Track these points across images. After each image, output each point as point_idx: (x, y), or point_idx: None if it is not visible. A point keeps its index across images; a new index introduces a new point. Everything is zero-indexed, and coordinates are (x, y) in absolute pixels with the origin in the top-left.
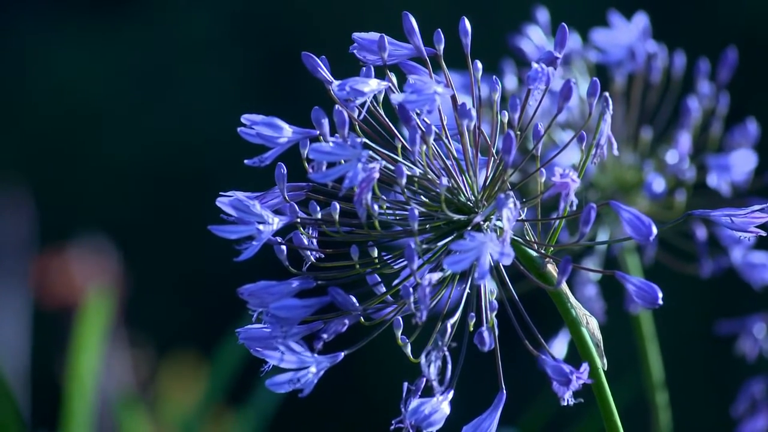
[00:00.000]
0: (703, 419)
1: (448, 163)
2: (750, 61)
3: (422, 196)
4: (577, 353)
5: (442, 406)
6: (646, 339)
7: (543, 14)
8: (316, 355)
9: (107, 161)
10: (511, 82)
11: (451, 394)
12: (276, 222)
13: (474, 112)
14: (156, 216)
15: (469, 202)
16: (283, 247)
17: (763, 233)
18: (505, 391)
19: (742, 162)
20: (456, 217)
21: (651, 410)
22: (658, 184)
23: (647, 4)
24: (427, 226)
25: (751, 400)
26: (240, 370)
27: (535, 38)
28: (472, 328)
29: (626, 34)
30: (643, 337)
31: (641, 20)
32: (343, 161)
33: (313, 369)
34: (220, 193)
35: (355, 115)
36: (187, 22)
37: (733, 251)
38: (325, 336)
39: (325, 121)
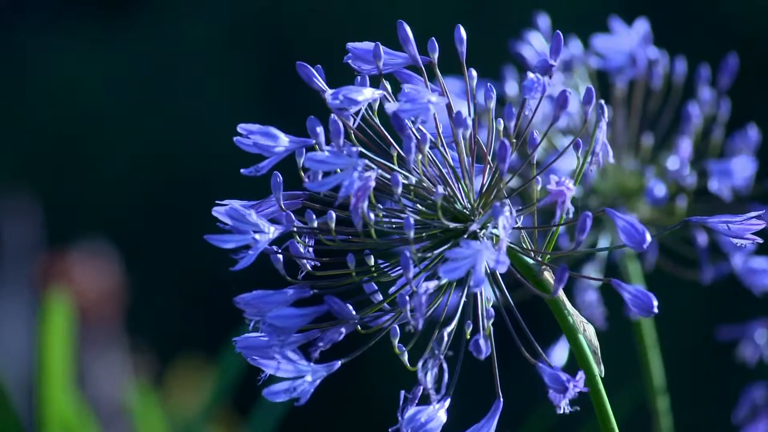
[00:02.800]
0: (704, 425)
1: (444, 171)
2: (751, 67)
3: (418, 205)
4: (575, 360)
5: (438, 414)
6: (647, 345)
7: (544, 20)
8: (312, 364)
9: (108, 166)
10: (512, 88)
11: (447, 402)
12: (272, 231)
13: (470, 121)
14: (158, 220)
15: (465, 210)
16: (280, 256)
17: (760, 240)
18: (502, 399)
19: (743, 167)
20: (452, 225)
21: (652, 416)
22: (659, 190)
23: (648, 10)
24: (423, 234)
25: (751, 405)
26: (245, 375)
27: (535, 44)
28: (468, 336)
29: (627, 40)
30: (644, 343)
31: (642, 26)
32: (339, 170)
33: (308, 378)
34: (216, 201)
35: (351, 123)
36: (187, 27)
37: (734, 257)
38: (321, 345)
39: (321, 130)
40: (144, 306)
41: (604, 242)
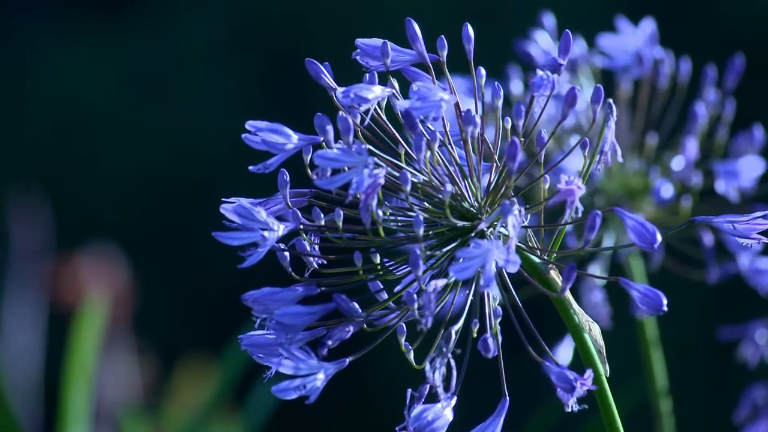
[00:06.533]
0: (706, 425)
1: (452, 169)
2: (757, 68)
3: (426, 203)
4: (580, 359)
5: (445, 412)
6: (650, 345)
7: (549, 19)
8: (321, 361)
9: (113, 168)
10: (517, 87)
11: (454, 401)
12: (280, 229)
13: (478, 119)
14: (161, 221)
15: (472, 209)
16: (287, 254)
17: (766, 240)
18: (508, 398)
19: (750, 168)
20: (460, 223)
21: (654, 416)
22: (666, 190)
23: (654, 10)
24: (431, 232)
25: (752, 406)
26: (247, 373)
27: (542, 43)
28: (475, 335)
29: (633, 40)
30: (646, 343)
31: (648, 26)
32: (347, 168)
33: (321, 376)
34: (223, 199)
35: (358, 121)
36: (188, 27)
37: (740, 257)
38: (329, 342)
39: (330, 128)
40: (148, 306)
41: (608, 242)
